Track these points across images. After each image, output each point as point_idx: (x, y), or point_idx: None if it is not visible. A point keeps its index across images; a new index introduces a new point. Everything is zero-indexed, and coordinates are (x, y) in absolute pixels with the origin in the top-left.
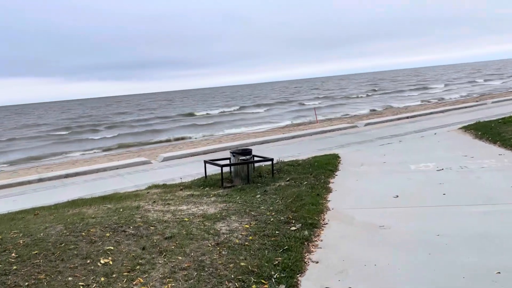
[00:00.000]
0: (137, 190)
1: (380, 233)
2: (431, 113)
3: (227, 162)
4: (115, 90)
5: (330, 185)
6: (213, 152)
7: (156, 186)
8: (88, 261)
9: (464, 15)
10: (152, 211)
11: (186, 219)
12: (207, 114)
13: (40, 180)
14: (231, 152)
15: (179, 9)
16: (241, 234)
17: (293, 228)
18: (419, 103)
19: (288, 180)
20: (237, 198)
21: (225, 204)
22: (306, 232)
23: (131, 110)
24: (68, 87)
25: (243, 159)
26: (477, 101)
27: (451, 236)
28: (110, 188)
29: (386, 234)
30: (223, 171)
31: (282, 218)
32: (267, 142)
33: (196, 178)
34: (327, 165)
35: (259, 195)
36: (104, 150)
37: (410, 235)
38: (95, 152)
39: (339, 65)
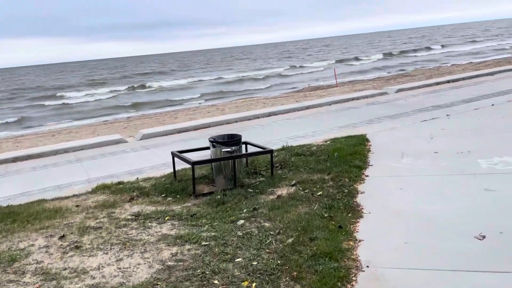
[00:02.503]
0: (73, 195)
1: None
2: (477, 76)
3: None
4: (136, 50)
5: (359, 198)
6: (206, 127)
7: (104, 188)
8: None
9: None
10: (27, 277)
11: None
12: (219, 77)
13: None
14: (210, 141)
15: None
16: None
17: None
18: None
19: (294, 185)
20: (206, 226)
21: (177, 248)
22: None
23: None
24: (87, 47)
25: (227, 152)
26: None
27: None
28: (54, 183)
29: None
30: (199, 168)
31: None
32: (274, 114)
33: (165, 174)
34: (352, 157)
35: (242, 220)
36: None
37: None
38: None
39: (361, 23)
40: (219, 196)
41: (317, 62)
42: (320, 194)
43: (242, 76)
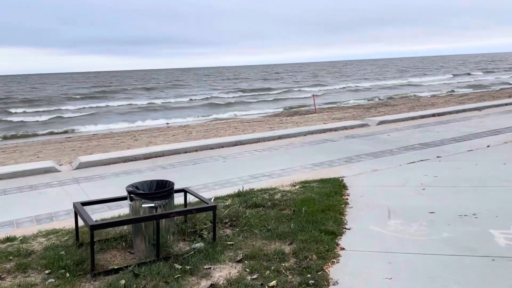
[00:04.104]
0: None
1: None
2: (463, 110)
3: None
4: (117, 65)
5: None
6: (160, 156)
7: None
8: None
9: (473, 4)
10: None
11: None
12: (191, 100)
13: None
14: (128, 191)
15: None
16: None
17: None
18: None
19: (240, 261)
20: None
21: None
22: None
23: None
24: (68, 59)
25: (150, 208)
26: (510, 96)
27: None
28: None
29: None
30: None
31: None
32: (241, 144)
33: (71, 229)
34: (324, 214)
35: None
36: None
37: None
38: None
39: (338, 50)
40: (123, 281)
41: (308, 87)
42: (273, 286)
43: (233, 96)
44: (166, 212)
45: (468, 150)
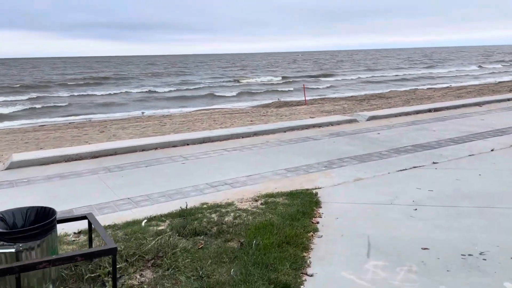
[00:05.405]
0: None
1: None
2: (463, 105)
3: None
4: (112, 50)
5: None
6: (111, 154)
7: None
8: None
9: None
10: None
11: None
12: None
13: None
14: None
15: None
16: None
17: None
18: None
19: None
20: None
21: None
22: None
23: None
24: (62, 44)
25: (10, 254)
26: (511, 90)
27: None
28: None
29: None
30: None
31: None
32: (210, 141)
33: None
34: (281, 252)
35: None
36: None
37: None
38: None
39: (337, 40)
40: None
41: (324, 77)
42: None
43: (232, 85)
44: (30, 262)
45: (469, 155)
